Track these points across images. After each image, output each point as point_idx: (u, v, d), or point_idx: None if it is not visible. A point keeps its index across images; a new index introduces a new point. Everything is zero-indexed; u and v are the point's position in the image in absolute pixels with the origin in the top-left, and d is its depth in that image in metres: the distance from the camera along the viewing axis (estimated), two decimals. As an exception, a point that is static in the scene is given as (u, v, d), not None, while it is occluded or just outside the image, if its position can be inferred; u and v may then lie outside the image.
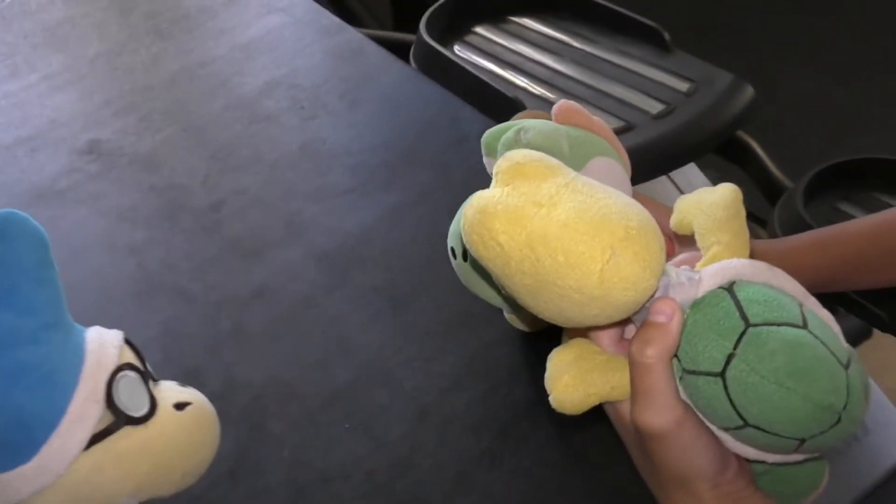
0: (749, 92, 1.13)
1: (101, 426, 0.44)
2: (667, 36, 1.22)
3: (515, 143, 0.57)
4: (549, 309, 0.38)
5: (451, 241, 0.59)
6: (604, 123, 0.62)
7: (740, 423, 0.38)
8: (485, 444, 0.61)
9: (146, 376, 0.47)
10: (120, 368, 0.45)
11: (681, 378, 0.39)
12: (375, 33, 1.49)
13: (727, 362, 0.37)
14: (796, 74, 2.07)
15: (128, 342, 0.48)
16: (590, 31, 1.31)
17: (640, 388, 0.39)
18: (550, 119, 0.62)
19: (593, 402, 0.41)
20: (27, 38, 1.03)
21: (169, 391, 0.49)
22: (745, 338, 0.37)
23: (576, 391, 0.40)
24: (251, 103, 0.93)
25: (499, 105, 1.10)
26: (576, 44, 1.30)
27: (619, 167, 0.59)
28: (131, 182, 0.85)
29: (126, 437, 0.44)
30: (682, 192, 1.42)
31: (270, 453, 0.61)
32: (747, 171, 1.43)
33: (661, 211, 0.64)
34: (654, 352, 0.38)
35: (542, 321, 0.65)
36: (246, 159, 0.87)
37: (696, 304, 0.39)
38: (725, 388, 0.37)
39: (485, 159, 0.62)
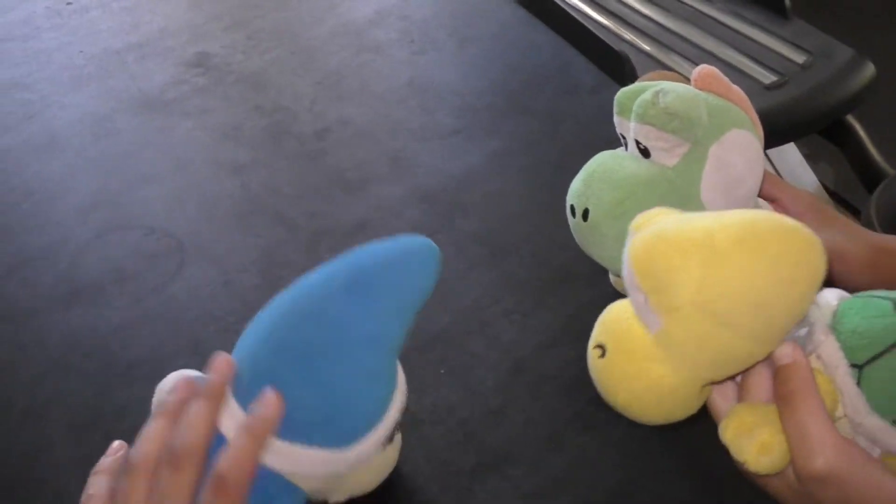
0: (870, 70, 1.08)
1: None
2: (787, 1, 1.17)
3: (652, 107, 0.55)
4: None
5: (572, 200, 0.58)
6: (742, 93, 0.59)
7: None
8: (578, 406, 0.60)
9: None
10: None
11: (858, 381, 0.39)
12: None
13: None
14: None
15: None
16: (704, -11, 1.26)
17: (792, 432, 0.38)
18: (679, 80, 0.60)
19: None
20: (141, -58, 1.02)
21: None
22: None
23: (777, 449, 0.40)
24: (360, 31, 0.92)
25: (604, 57, 1.07)
26: (688, 1, 1.25)
27: (755, 141, 0.57)
28: (237, 100, 0.84)
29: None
30: (776, 171, 1.38)
31: (363, 389, 0.61)
32: (846, 153, 1.38)
33: (787, 192, 0.62)
34: (792, 386, 0.39)
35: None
36: (352, 89, 0.86)
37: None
38: None
39: (616, 118, 0.60)
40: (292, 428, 0.41)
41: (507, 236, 0.72)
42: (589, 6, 1.26)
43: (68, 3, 0.93)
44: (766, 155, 1.31)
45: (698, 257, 0.38)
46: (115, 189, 0.76)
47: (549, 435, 0.58)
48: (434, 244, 0.46)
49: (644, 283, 0.40)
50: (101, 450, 0.44)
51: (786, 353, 0.40)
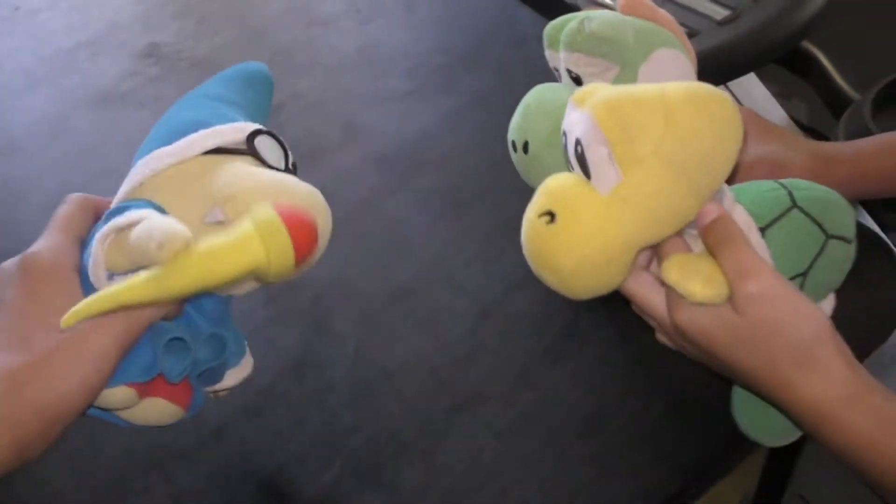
0: (820, -4, 1.08)
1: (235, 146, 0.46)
2: (734, -63, 1.17)
3: (578, 34, 0.56)
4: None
5: (513, 135, 0.59)
6: (669, 16, 0.60)
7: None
8: (547, 342, 0.61)
9: (288, 162, 0.49)
10: (261, 132, 0.47)
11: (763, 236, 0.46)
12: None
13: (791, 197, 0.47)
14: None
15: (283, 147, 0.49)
16: (652, -66, 1.26)
17: (729, 266, 0.43)
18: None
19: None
20: (83, -59, 1.02)
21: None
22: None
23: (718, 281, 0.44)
24: (308, 6, 0.92)
25: (555, 9, 1.07)
26: (637, -53, 1.25)
27: (685, 59, 0.58)
28: (191, 85, 0.83)
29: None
30: (740, 103, 1.38)
31: (334, 349, 0.62)
32: (810, 81, 1.39)
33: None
34: (724, 233, 0.44)
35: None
36: (303, 63, 0.86)
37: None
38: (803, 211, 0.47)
39: (546, 52, 0.61)
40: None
41: (466, 189, 0.72)
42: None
43: (16, 9, 0.94)
44: (729, 90, 1.31)
45: (660, 112, 0.42)
46: (77, 185, 0.75)
47: (519, 373, 0.60)
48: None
49: (612, 134, 0.42)
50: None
51: (712, 208, 0.44)
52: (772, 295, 0.42)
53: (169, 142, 0.46)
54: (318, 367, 0.61)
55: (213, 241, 0.40)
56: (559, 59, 0.59)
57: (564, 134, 0.47)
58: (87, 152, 0.79)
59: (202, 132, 0.46)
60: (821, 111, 1.42)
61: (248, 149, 0.46)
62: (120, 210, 0.44)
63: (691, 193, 0.42)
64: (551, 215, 0.43)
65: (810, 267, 0.48)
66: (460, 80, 0.82)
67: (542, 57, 0.80)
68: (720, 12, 1.09)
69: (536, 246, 0.45)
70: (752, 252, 0.43)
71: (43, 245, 0.43)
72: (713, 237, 0.44)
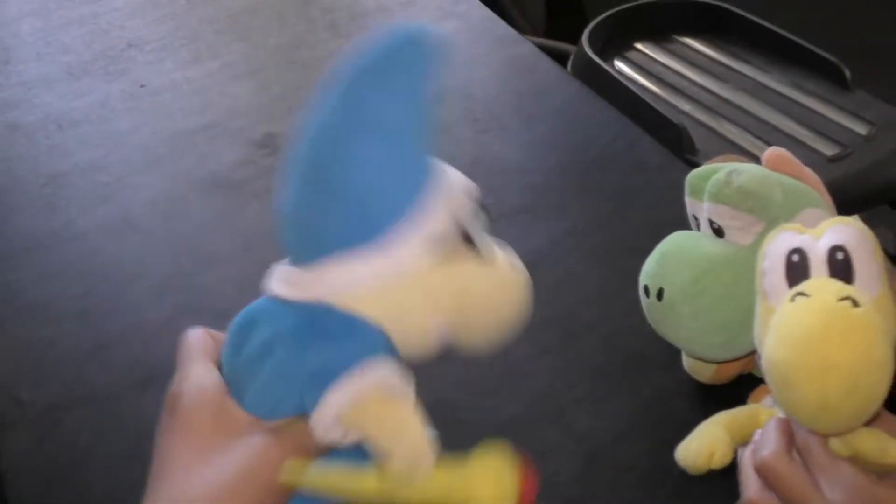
0: (938, 141, 1.06)
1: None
2: (847, 73, 1.16)
3: (726, 186, 0.55)
4: None
5: (646, 280, 0.58)
6: (815, 175, 0.59)
7: None
8: (659, 500, 0.59)
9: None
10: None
11: None
12: (531, 39, 1.47)
13: None
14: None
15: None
16: (761, 59, 1.26)
17: None
18: (745, 162, 0.60)
19: None
20: (210, 25, 1.05)
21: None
22: None
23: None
24: (424, 110, 0.93)
25: (661, 130, 1.07)
26: (745, 71, 1.25)
27: (829, 219, 0.57)
28: (305, 180, 0.85)
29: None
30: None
31: (438, 479, 0.60)
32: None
33: None
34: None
35: (723, 373, 0.63)
36: (417, 168, 0.86)
37: None
38: None
39: (687, 199, 0.60)
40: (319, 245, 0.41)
41: (578, 320, 0.71)
42: (646, 78, 1.27)
43: (142, 86, 0.96)
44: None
45: None
46: (186, 271, 0.77)
47: (631, 531, 0.57)
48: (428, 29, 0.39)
49: (876, 247, 0.44)
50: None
51: None
52: None
53: None
54: (419, 498, 0.59)
55: (451, 477, 0.41)
56: (701, 207, 0.58)
57: (797, 251, 0.45)
58: (198, 237, 0.80)
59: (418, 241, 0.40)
60: (909, 241, 1.39)
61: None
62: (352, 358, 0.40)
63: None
64: (853, 301, 0.42)
65: None
66: (576, 201, 0.82)
67: (660, 185, 0.79)
68: (831, 148, 1.08)
69: (841, 331, 0.42)
70: None
71: (187, 380, 0.42)
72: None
